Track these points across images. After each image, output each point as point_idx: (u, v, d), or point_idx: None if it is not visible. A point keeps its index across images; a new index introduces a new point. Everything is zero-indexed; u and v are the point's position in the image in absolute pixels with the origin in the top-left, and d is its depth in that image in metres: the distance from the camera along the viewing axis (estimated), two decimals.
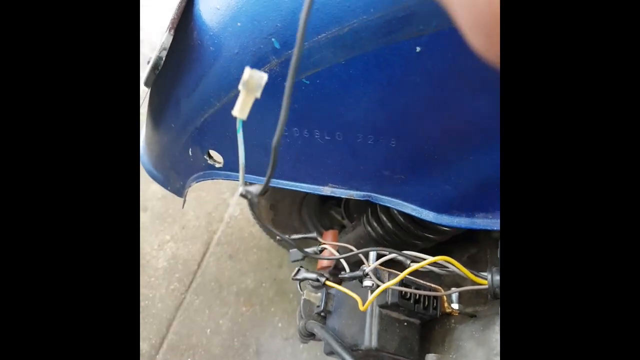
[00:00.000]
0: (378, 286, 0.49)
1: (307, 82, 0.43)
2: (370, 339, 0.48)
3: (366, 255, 0.52)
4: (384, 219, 0.66)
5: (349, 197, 0.54)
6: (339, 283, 0.64)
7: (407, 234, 0.65)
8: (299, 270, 0.63)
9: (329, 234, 0.79)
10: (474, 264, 0.70)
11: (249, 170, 0.58)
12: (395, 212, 0.64)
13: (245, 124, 0.53)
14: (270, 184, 0.58)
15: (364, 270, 0.50)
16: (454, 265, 0.45)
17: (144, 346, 1.06)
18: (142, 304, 1.11)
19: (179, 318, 1.11)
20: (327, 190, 0.55)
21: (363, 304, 0.48)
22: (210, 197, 1.29)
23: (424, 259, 0.45)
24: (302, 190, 0.57)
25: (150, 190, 1.27)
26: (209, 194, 1.29)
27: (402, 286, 0.48)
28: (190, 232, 1.23)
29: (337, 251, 0.78)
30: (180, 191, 0.69)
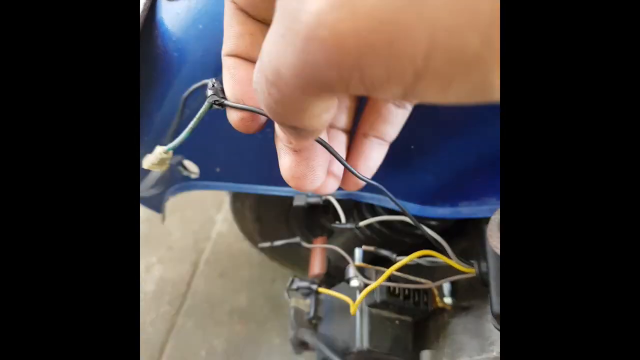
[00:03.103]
0: (366, 285, 0.48)
1: None
2: (361, 340, 0.46)
3: (351, 254, 0.51)
4: (369, 217, 0.65)
5: (330, 198, 0.53)
6: (332, 286, 0.62)
7: (394, 232, 0.64)
8: (293, 280, 0.61)
9: (318, 242, 0.77)
10: (467, 257, 0.69)
11: (226, 179, 0.57)
12: (381, 209, 0.63)
13: (215, 130, 0.52)
14: (250, 191, 0.56)
15: (350, 269, 0.49)
16: (439, 258, 0.44)
17: None
18: None
19: (171, 342, 1.07)
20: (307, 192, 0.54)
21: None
22: (196, 215, 1.26)
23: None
24: (282, 194, 0.55)
25: None
26: (194, 212, 1.27)
27: (390, 282, 0.46)
28: (177, 252, 1.20)
29: (328, 257, 0.77)
30: (157, 206, 0.67)
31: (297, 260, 1.05)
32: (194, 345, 1.06)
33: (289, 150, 0.19)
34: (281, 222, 0.92)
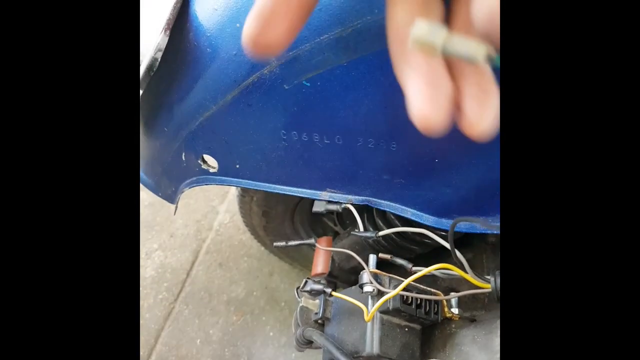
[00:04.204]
0: (379, 292, 0.49)
1: (308, 84, 0.42)
2: (371, 345, 0.47)
3: (366, 260, 0.52)
4: (381, 224, 0.66)
5: (348, 203, 0.54)
6: (335, 290, 0.63)
7: (405, 240, 0.65)
8: (306, 282, 0.61)
9: (323, 241, 0.78)
10: (471, 269, 0.71)
11: (244, 176, 0.57)
12: (392, 216, 0.64)
13: (240, 127, 0.52)
14: (267, 189, 0.57)
15: (364, 275, 0.50)
16: (455, 271, 0.45)
17: None
18: None
19: (167, 328, 1.08)
20: (325, 196, 0.54)
21: (363, 311, 0.47)
22: (199, 205, 1.26)
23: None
24: (299, 195, 0.56)
25: None
26: (198, 202, 1.27)
27: (403, 291, 0.47)
28: (179, 240, 1.20)
29: (332, 257, 0.78)
30: (172, 197, 0.68)
31: (297, 257, 1.06)
32: (190, 332, 1.07)
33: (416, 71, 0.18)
34: (287, 219, 0.93)
